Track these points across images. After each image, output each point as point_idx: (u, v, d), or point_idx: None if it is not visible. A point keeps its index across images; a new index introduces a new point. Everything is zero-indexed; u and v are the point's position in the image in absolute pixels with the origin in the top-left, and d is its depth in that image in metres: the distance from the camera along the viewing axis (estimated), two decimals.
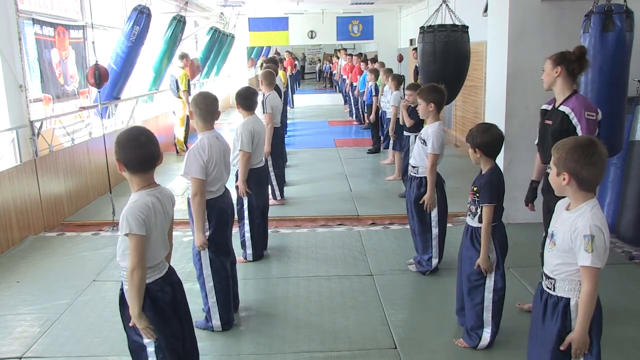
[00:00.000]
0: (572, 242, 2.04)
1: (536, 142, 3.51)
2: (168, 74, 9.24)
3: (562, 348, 2.09)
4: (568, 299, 2.10)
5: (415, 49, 12.51)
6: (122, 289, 2.35)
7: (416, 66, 11.73)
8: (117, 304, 2.41)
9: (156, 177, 2.39)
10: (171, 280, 2.43)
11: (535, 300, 2.29)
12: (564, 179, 2.05)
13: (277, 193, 6.16)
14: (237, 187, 4.36)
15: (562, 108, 3.21)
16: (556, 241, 2.13)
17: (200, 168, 3.20)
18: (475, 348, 3.15)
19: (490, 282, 3.08)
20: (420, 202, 4.08)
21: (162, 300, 2.34)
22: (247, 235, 4.52)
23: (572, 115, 3.14)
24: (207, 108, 3.31)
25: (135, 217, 2.19)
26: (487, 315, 3.12)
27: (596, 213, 2.04)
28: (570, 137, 2.13)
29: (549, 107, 3.38)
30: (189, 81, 9.18)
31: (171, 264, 2.52)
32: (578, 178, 2.04)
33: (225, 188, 3.50)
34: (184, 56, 9.32)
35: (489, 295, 3.09)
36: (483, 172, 3.05)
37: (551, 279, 2.15)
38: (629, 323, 3.38)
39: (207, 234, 3.32)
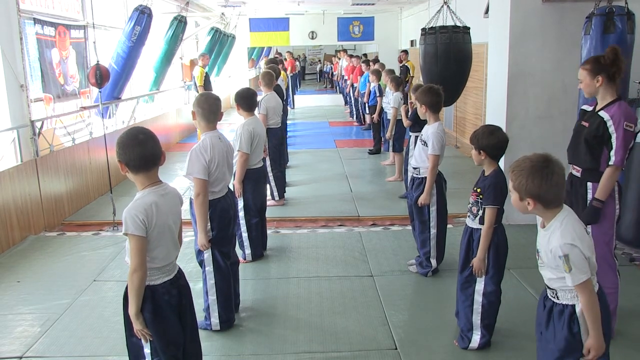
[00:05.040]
0: (554, 260, 2.06)
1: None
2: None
3: (585, 354, 2.09)
4: (573, 306, 2.11)
5: (405, 51, 12.62)
6: (127, 287, 2.34)
7: (403, 66, 11.79)
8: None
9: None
10: (179, 283, 2.41)
11: (539, 306, 2.29)
12: (529, 204, 2.06)
13: (276, 194, 6.17)
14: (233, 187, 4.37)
15: (602, 114, 3.04)
16: (542, 258, 2.16)
17: (203, 168, 3.21)
18: (466, 349, 3.17)
19: (480, 286, 3.09)
20: (420, 204, 4.09)
21: (167, 304, 2.32)
22: (245, 235, 4.53)
23: (609, 123, 2.99)
24: (210, 108, 3.31)
25: (132, 218, 2.19)
26: (476, 319, 3.13)
27: (566, 228, 2.04)
28: (524, 159, 2.07)
29: (589, 108, 3.24)
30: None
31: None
32: (543, 201, 2.04)
33: (228, 188, 3.50)
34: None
35: (478, 298, 3.11)
36: (487, 174, 3.06)
37: (552, 289, 2.17)
38: (631, 325, 3.38)
39: (210, 234, 3.32)
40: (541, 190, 2.01)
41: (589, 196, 3.12)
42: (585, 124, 3.16)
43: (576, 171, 3.18)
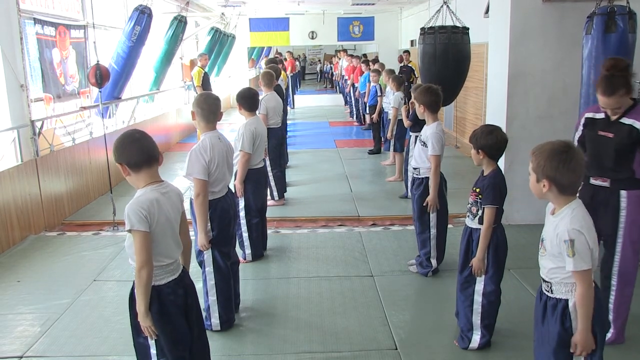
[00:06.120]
0: (558, 246, 2.07)
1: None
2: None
3: (572, 351, 2.10)
4: (566, 300, 2.12)
5: (407, 51, 12.66)
6: (133, 288, 2.33)
7: (406, 66, 11.83)
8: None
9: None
10: (184, 283, 2.40)
11: (536, 302, 2.31)
12: (544, 185, 2.08)
13: (275, 194, 6.17)
14: (234, 187, 4.36)
15: (628, 121, 2.95)
16: (546, 246, 2.16)
17: (203, 168, 3.20)
18: (466, 349, 3.17)
19: (479, 286, 3.09)
20: (424, 205, 4.08)
21: (173, 304, 2.31)
22: (245, 235, 4.53)
23: None
24: (210, 108, 3.31)
25: (135, 213, 2.18)
26: (476, 319, 3.13)
27: (576, 215, 2.06)
28: (547, 142, 2.12)
29: (598, 116, 3.11)
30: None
31: None
32: (558, 185, 2.07)
33: (228, 189, 3.50)
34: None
35: (478, 298, 3.10)
36: (485, 174, 3.06)
37: (548, 282, 2.18)
38: (630, 324, 3.38)
39: (210, 234, 3.32)
40: (558, 172, 2.04)
41: (622, 204, 3.03)
42: (608, 134, 3.03)
43: (602, 181, 3.08)
